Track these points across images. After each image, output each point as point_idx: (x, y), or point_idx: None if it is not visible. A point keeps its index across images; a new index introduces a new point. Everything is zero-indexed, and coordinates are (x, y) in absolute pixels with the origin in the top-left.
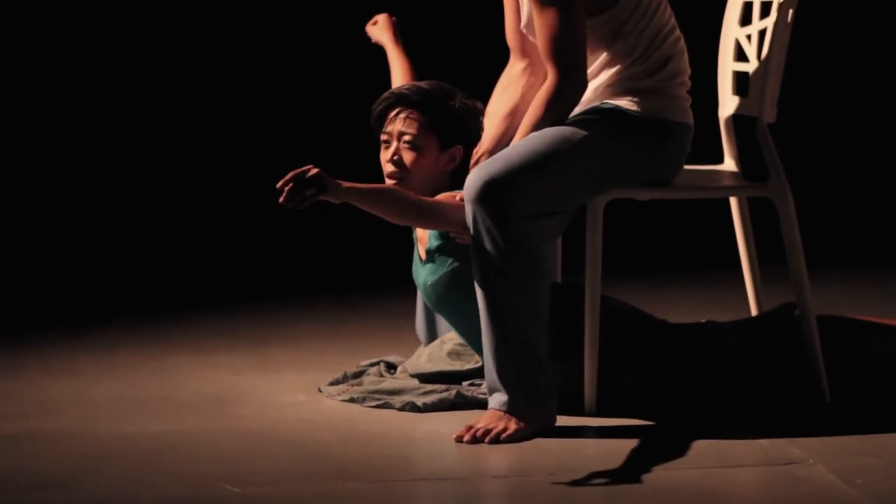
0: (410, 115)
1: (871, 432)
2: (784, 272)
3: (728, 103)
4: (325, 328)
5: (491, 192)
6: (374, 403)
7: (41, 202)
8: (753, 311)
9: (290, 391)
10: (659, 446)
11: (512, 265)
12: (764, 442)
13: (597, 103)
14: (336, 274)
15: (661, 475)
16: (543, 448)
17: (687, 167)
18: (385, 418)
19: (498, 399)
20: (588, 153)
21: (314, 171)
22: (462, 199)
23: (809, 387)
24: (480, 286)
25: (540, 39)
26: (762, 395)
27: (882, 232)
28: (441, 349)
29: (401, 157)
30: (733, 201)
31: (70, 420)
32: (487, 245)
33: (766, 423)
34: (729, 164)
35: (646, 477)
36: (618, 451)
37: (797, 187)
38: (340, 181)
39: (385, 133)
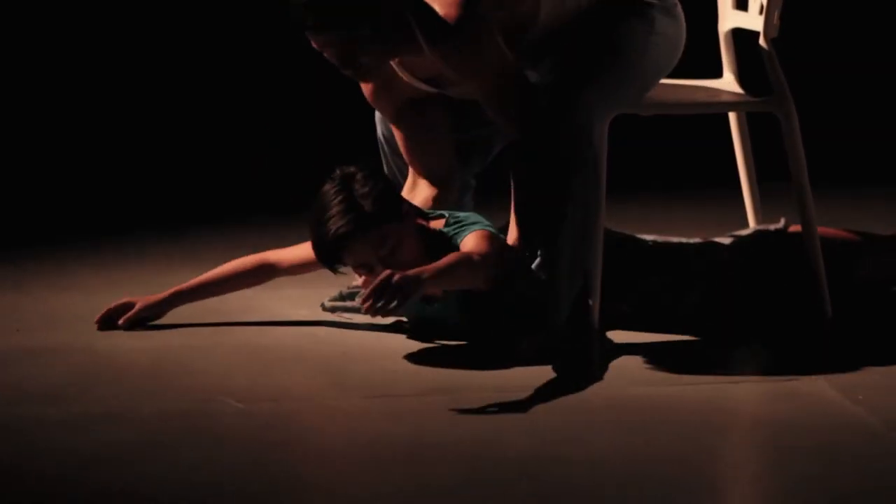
0: (357, 246)
1: (873, 348)
2: (782, 190)
3: (728, 17)
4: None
5: (562, 100)
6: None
7: (45, 119)
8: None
9: (293, 306)
10: (660, 361)
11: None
12: (765, 356)
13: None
14: None
15: (662, 391)
16: (546, 363)
17: (685, 82)
18: (387, 334)
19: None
20: (638, 51)
21: (396, 277)
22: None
23: (811, 302)
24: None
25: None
26: (763, 310)
27: (884, 151)
28: None
29: (396, 264)
30: (732, 117)
31: (72, 334)
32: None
33: (767, 339)
34: (728, 79)
35: (647, 391)
36: (619, 366)
37: (798, 104)
38: (419, 273)
39: (356, 268)
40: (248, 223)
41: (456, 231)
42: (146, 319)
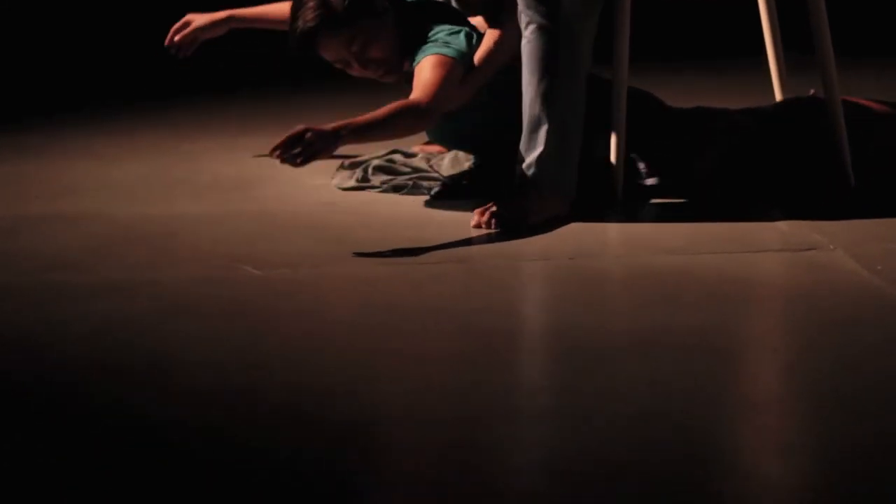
0: (335, 37)
1: (894, 218)
2: (808, 62)
3: None
4: (344, 112)
5: None
6: (378, 182)
7: None
8: (778, 99)
9: (311, 174)
10: (680, 231)
11: (577, 46)
12: (784, 227)
13: None
14: None
15: (682, 259)
16: (563, 232)
17: None
18: (405, 202)
19: (525, 166)
20: None
21: (309, 134)
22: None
23: (833, 172)
24: (533, 78)
25: None
26: (784, 179)
27: None
28: (466, 156)
29: (368, 61)
30: None
31: (90, 202)
32: (541, 40)
33: (787, 208)
34: None
35: (667, 260)
36: (639, 235)
37: None
38: (335, 126)
39: (334, 62)
40: (263, 92)
41: (425, 47)
42: (199, 38)
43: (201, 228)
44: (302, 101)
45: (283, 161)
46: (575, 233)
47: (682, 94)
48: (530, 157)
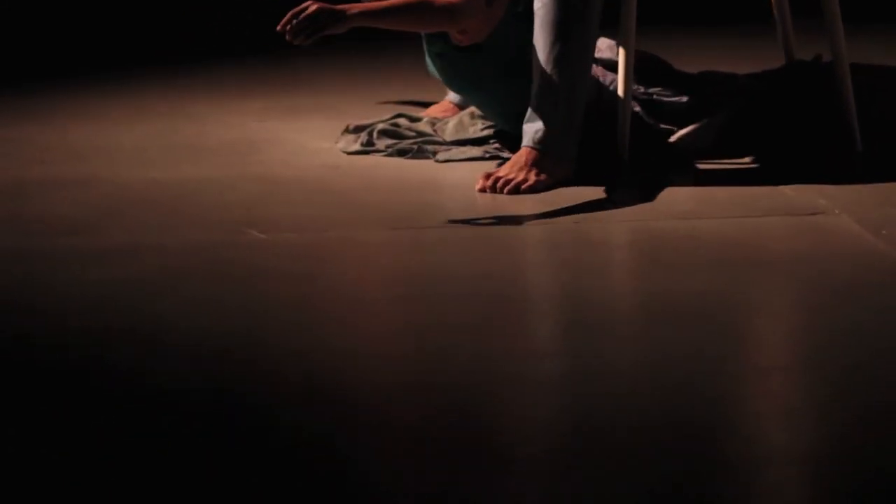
0: None
1: None
2: (818, 29)
3: None
4: (350, 75)
5: None
6: (383, 146)
7: None
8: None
9: (316, 138)
10: (685, 196)
11: (590, 14)
12: (789, 191)
13: None
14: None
15: (686, 224)
16: (568, 197)
17: None
18: (409, 166)
19: (532, 130)
20: None
21: (313, 7)
22: None
23: (839, 136)
24: (546, 42)
25: None
26: (790, 142)
27: None
28: (471, 121)
29: None
30: None
31: (95, 166)
32: (556, 5)
33: (792, 173)
34: None
35: (671, 224)
36: (644, 200)
37: None
38: (346, 9)
39: None
40: (268, 56)
41: None
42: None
43: (207, 192)
44: (308, 64)
45: (291, 38)
46: (580, 196)
47: (687, 57)
48: (538, 122)
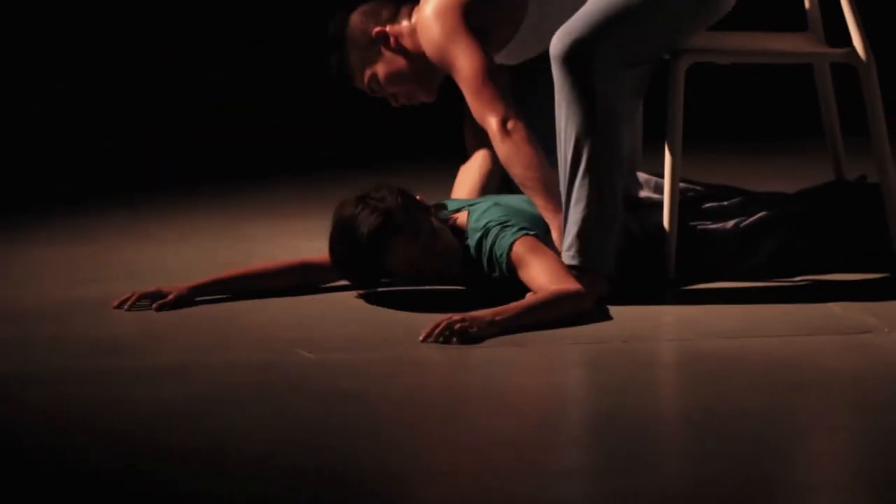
0: (397, 242)
1: None
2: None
3: None
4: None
5: (575, 48)
6: None
7: (121, 72)
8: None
9: None
10: (732, 314)
11: (600, 121)
12: (838, 309)
13: None
14: (412, 140)
15: (736, 342)
16: (617, 316)
17: (769, 33)
18: (457, 288)
19: (572, 251)
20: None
21: (459, 324)
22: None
23: (885, 254)
24: (570, 145)
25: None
26: (835, 261)
27: None
28: None
29: (434, 253)
30: (817, 68)
31: (146, 285)
32: (576, 104)
33: (840, 291)
34: (811, 31)
35: (720, 343)
36: (693, 318)
37: (880, 56)
38: (490, 316)
39: (401, 269)
40: (324, 171)
41: (489, 233)
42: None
43: (256, 312)
44: (354, 185)
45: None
46: (626, 315)
47: (732, 175)
48: (569, 237)
